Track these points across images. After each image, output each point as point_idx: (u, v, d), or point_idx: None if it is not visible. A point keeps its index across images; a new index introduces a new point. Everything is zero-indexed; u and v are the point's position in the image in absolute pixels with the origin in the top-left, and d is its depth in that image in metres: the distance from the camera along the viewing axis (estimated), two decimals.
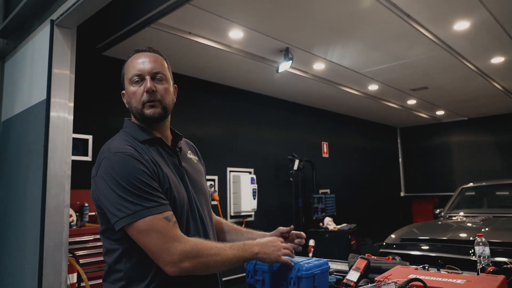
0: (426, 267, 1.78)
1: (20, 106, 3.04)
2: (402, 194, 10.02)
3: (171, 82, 1.47)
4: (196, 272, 1.23)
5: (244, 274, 1.59)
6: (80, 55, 3.12)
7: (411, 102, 7.30)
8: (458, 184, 5.74)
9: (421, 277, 1.43)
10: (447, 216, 4.93)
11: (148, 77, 1.37)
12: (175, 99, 1.49)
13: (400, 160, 10.21)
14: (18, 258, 2.78)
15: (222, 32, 3.91)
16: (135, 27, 3.45)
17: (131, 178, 1.21)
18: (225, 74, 5.25)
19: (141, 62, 1.39)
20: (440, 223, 4.57)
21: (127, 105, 1.44)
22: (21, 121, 3.02)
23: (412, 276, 1.47)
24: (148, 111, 1.36)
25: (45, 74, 2.61)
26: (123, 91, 1.45)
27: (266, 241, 1.40)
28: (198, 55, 4.44)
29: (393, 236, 4.08)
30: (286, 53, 4.37)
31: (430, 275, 1.53)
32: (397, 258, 3.57)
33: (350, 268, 1.80)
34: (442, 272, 1.69)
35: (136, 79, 1.37)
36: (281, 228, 1.64)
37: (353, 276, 1.72)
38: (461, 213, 4.90)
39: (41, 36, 2.78)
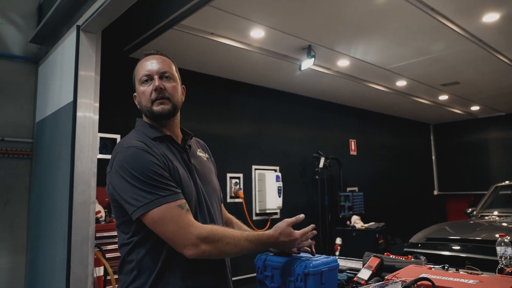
0: (446, 267, 1.74)
1: (52, 108, 3.22)
2: (435, 192, 9.71)
3: (179, 82, 1.54)
4: (213, 256, 1.30)
5: (254, 274, 1.63)
6: (108, 58, 3.26)
7: (443, 97, 7.05)
8: (496, 182, 5.51)
9: (431, 277, 1.41)
10: (479, 216, 4.76)
11: (156, 76, 1.44)
12: (183, 98, 1.56)
13: (433, 157, 9.89)
14: (50, 251, 2.94)
15: (243, 32, 3.95)
16: (159, 29, 3.54)
17: (144, 170, 1.28)
18: (248, 73, 5.29)
19: (150, 64, 1.47)
20: (471, 222, 4.42)
21: (138, 106, 1.51)
22: (53, 122, 3.19)
23: (423, 275, 1.45)
24: (157, 108, 1.43)
25: (73, 76, 2.75)
26: (135, 93, 1.53)
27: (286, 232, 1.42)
28: (221, 55, 4.50)
29: (419, 235, 3.99)
30: (308, 50, 4.35)
31: (443, 275, 1.50)
32: (422, 258, 3.50)
33: (363, 266, 1.79)
34: (461, 272, 1.65)
35: (145, 79, 1.45)
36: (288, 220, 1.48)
37: (364, 274, 1.71)
38: (495, 213, 4.72)
39: (69, 41, 2.93)
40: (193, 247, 1.25)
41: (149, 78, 1.45)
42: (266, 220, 5.54)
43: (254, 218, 5.44)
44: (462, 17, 3.72)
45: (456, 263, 2.87)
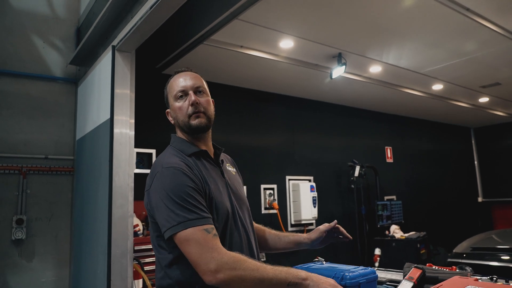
0: (494, 278, 1.64)
1: (91, 125, 3.35)
2: (480, 199, 9.23)
3: (210, 96, 1.59)
4: (232, 285, 1.22)
5: None
6: (143, 75, 3.37)
7: (483, 100, 6.76)
8: None
9: None
10: None
11: (191, 92, 1.50)
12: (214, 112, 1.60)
13: (476, 162, 9.45)
14: (91, 264, 3.03)
15: (273, 43, 3.97)
16: (190, 45, 3.62)
17: (178, 191, 1.30)
18: (278, 84, 5.29)
19: (183, 80, 1.52)
20: None
21: (173, 121, 1.56)
22: (92, 139, 3.32)
23: (469, 287, 1.37)
24: (194, 122, 1.48)
25: (109, 95, 2.85)
26: (168, 110, 1.57)
27: (319, 276, 1.32)
28: (251, 67, 4.54)
29: (464, 244, 3.80)
30: (339, 58, 4.31)
31: (491, 287, 1.41)
32: (468, 268, 3.32)
33: (403, 278, 1.72)
34: (511, 284, 1.55)
35: (180, 94, 1.50)
36: (321, 227, 1.71)
37: (405, 286, 1.64)
38: None
39: (105, 61, 3.05)
40: (211, 273, 1.20)
41: (184, 93, 1.50)
42: (302, 231, 5.46)
43: (290, 229, 5.39)
44: (500, 16, 3.56)
45: (505, 274, 2.71)
